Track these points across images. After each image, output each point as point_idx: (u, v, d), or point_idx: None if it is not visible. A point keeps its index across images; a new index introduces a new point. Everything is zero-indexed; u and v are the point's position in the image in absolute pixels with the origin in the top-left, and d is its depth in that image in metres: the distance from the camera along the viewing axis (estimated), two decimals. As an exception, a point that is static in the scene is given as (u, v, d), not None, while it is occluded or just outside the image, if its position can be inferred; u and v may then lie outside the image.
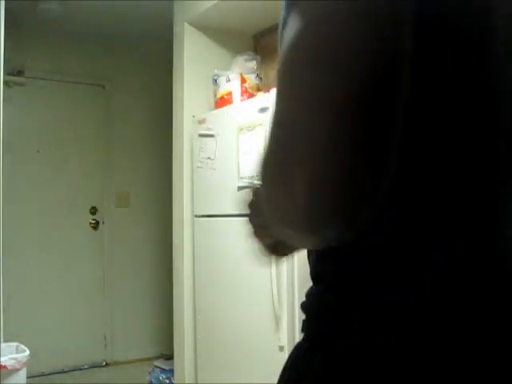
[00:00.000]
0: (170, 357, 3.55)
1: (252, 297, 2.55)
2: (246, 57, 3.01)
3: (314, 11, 0.47)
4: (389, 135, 0.45)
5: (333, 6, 0.45)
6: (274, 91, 0.53)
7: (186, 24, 3.19)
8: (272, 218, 0.51)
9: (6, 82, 3.32)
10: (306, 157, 0.44)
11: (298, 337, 2.22)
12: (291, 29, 0.48)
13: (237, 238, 2.66)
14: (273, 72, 3.19)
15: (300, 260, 2.40)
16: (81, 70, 4.12)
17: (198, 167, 2.98)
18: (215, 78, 3.02)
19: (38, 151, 3.96)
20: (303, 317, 0.65)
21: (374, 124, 0.44)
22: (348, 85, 0.44)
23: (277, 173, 0.47)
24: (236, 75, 2.93)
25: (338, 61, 0.44)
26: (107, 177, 4.25)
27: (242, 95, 2.89)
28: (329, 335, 0.60)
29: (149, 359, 4.05)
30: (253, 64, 2.99)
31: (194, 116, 3.08)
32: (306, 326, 0.64)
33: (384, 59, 0.45)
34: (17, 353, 2.57)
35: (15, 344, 2.66)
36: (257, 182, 0.53)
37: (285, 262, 2.38)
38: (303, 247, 0.61)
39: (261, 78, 3.03)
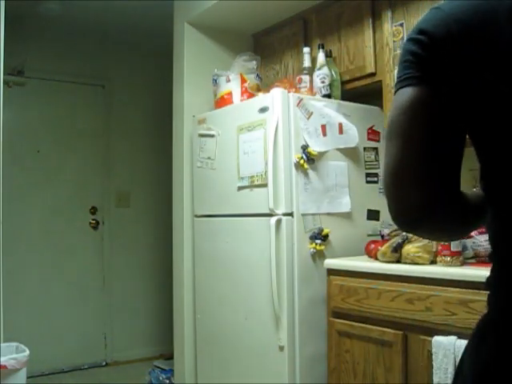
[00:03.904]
0: (169, 357, 3.55)
1: (252, 296, 2.55)
2: (245, 57, 3.00)
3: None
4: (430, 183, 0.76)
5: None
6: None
7: (185, 24, 3.19)
8: None
9: (6, 82, 3.32)
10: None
11: (298, 337, 2.24)
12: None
13: (237, 237, 2.66)
14: (273, 72, 3.19)
15: (300, 260, 2.40)
16: (81, 70, 4.12)
17: (198, 167, 2.98)
18: (215, 78, 3.02)
19: (38, 151, 3.96)
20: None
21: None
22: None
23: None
24: (236, 75, 2.93)
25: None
26: (107, 177, 4.25)
27: (241, 95, 2.89)
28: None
29: (149, 359, 4.05)
30: (253, 64, 2.99)
31: (194, 116, 3.08)
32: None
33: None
34: (17, 353, 2.57)
35: (15, 344, 2.66)
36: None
37: (285, 262, 2.38)
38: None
39: (261, 78, 3.02)
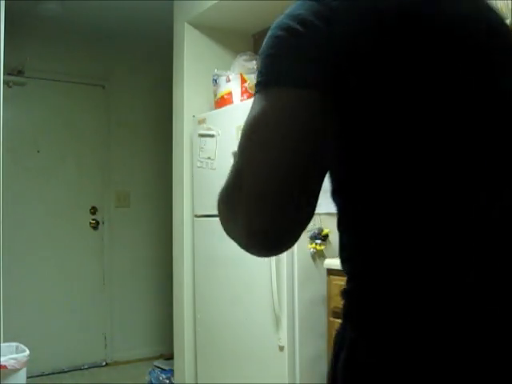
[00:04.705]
0: (169, 357, 3.55)
1: (252, 297, 2.55)
2: (245, 57, 3.00)
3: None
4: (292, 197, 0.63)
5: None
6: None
7: (186, 24, 3.19)
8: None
9: (6, 82, 3.32)
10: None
11: (298, 337, 2.23)
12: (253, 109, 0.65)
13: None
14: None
15: (300, 260, 2.40)
16: (81, 69, 4.11)
17: (198, 167, 2.98)
18: (215, 77, 3.02)
19: (38, 151, 3.96)
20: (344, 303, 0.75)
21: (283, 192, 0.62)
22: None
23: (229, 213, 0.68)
24: (236, 75, 2.93)
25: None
26: (107, 177, 4.25)
27: (241, 95, 2.89)
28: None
29: (149, 359, 4.05)
30: (253, 64, 2.99)
31: (194, 116, 3.08)
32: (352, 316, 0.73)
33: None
34: (17, 353, 2.57)
35: (15, 344, 2.66)
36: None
37: (285, 262, 2.38)
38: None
39: (261, 78, 3.02)
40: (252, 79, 2.95)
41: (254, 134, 0.65)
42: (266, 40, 0.69)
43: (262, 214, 0.62)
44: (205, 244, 2.93)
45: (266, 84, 0.67)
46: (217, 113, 2.90)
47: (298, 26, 0.64)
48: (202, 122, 2.96)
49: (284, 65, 0.65)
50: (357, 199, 0.70)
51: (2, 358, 2.39)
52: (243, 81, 2.92)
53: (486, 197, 0.67)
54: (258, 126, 0.65)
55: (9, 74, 3.62)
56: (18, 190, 3.73)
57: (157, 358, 4.06)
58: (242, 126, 0.68)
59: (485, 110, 0.68)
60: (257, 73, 0.70)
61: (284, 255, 2.37)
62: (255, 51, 3.28)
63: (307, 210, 0.66)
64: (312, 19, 0.64)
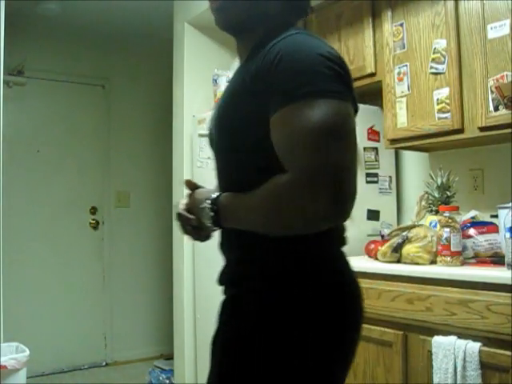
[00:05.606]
0: (170, 357, 3.55)
1: (252, 297, 2.55)
2: (245, 57, 3.00)
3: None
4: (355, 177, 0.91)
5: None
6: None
7: (186, 24, 3.19)
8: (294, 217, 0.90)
9: (6, 82, 3.33)
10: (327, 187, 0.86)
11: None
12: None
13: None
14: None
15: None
16: (81, 70, 4.12)
17: (198, 167, 2.98)
18: (215, 77, 3.02)
19: (38, 151, 3.96)
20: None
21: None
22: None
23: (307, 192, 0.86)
24: (236, 75, 2.93)
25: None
26: (107, 177, 4.25)
27: (241, 95, 2.89)
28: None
29: (149, 359, 4.05)
30: (253, 64, 2.99)
31: (194, 116, 3.08)
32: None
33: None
34: (17, 353, 2.57)
35: (15, 344, 2.66)
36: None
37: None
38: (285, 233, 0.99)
39: (261, 78, 3.02)
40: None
41: (341, 133, 0.89)
42: (306, 58, 0.93)
43: (352, 184, 0.89)
44: (205, 243, 2.92)
45: (330, 95, 0.90)
46: (217, 113, 2.90)
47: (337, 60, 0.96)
48: (201, 122, 2.96)
49: (329, 79, 0.92)
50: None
51: (2, 358, 2.40)
52: (243, 81, 2.91)
53: None
54: (342, 127, 0.90)
55: (9, 74, 3.62)
56: (17, 190, 3.73)
57: (157, 357, 4.06)
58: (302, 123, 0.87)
59: None
60: (301, 78, 0.91)
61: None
62: (255, 51, 3.28)
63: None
64: (341, 63, 0.97)
